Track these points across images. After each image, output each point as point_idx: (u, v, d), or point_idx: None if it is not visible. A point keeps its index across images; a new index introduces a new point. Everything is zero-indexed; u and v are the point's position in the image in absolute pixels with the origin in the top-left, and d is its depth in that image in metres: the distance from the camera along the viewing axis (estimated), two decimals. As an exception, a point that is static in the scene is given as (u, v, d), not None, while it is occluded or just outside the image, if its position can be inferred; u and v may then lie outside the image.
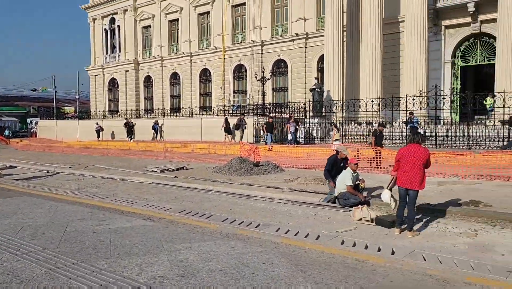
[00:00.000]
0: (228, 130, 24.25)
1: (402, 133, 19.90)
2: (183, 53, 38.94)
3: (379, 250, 5.70)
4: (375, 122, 21.33)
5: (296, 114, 23.31)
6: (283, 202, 9.53)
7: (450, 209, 7.98)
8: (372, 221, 7.49)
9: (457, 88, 24.88)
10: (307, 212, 8.47)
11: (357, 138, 21.49)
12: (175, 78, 40.99)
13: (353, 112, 21.99)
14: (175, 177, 13.25)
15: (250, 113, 25.44)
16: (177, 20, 39.93)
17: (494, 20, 21.32)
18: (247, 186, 11.41)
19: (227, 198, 10.15)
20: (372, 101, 21.01)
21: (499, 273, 4.82)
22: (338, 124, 22.56)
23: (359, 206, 7.91)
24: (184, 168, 15.44)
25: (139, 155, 21.84)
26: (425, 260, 5.28)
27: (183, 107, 33.75)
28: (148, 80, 43.52)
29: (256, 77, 26.73)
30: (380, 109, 21.68)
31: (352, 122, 22.44)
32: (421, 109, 19.56)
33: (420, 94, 19.42)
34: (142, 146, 26.14)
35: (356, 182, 8.83)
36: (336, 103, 23.06)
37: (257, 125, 23.79)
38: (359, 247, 5.82)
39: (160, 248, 5.81)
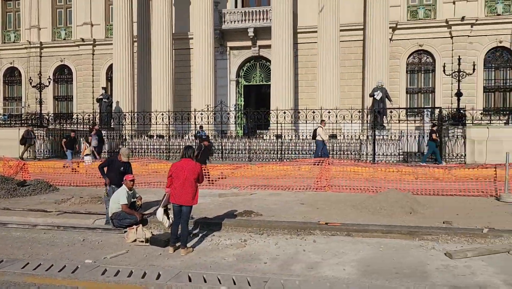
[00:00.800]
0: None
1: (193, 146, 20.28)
2: None
3: (144, 275, 5.18)
4: (166, 136, 21.20)
5: (88, 126, 21.13)
6: (47, 228, 8.13)
7: (226, 221, 8.13)
8: (146, 241, 6.98)
9: (241, 104, 27.05)
10: (75, 238, 7.38)
11: (147, 152, 20.91)
12: None
13: (143, 125, 21.36)
14: None
15: (23, 124, 21.97)
16: None
17: (269, 46, 23.97)
18: (3, 210, 9.43)
19: (-30, 229, 8.08)
20: (163, 114, 20.83)
21: (256, 285, 4.89)
22: (127, 137, 21.56)
23: (134, 226, 7.29)
24: None
25: None
26: (190, 280, 5.01)
27: None
28: None
29: (31, 83, 23.33)
30: (171, 123, 21.73)
31: (143, 136, 21.76)
32: (208, 124, 20.33)
33: (208, 109, 20.24)
34: None
35: (133, 200, 8.20)
36: (125, 115, 21.99)
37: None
38: (122, 276, 5.17)
39: None
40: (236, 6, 26.40)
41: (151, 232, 7.31)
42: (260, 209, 9.45)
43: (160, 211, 6.91)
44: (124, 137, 21.64)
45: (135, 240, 7.04)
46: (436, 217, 8.46)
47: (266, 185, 12.85)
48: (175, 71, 27.04)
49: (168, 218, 6.95)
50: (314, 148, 18.11)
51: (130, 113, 22.04)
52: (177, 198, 6.52)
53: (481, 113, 21.03)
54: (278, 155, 19.45)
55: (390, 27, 23.36)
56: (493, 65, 23.79)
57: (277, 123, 19.37)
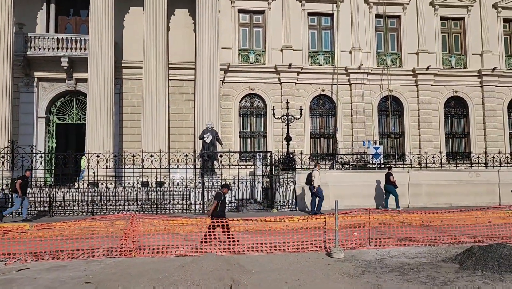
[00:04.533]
0: None
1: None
2: None
3: None
4: None
5: None
6: None
7: None
8: None
9: (52, 146, 22.50)
10: None
11: None
12: None
13: None
14: None
15: None
16: None
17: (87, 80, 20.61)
18: None
19: None
20: None
21: None
22: None
23: None
24: None
25: None
26: None
27: None
28: None
29: None
30: None
31: None
32: (-4, 170, 15.58)
33: (-6, 151, 15.59)
34: None
35: None
36: None
37: None
38: None
39: None
40: (48, 31, 22.42)
41: None
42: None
43: None
44: None
45: None
46: (261, 290, 6.52)
47: (52, 251, 9.42)
48: (-40, 104, 21.30)
49: None
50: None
51: None
52: None
53: (309, 158, 21.19)
54: (90, 208, 15.86)
55: (222, 69, 22.54)
56: (317, 112, 24.82)
57: (88, 168, 15.93)
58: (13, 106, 20.30)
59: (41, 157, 16.00)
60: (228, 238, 9.66)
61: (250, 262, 8.39)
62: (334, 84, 24.17)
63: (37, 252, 9.29)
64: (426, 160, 18.47)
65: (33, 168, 16.37)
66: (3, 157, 15.51)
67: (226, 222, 9.96)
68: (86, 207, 16.01)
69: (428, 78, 24.96)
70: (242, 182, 16.92)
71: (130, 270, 8.00)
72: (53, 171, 21.62)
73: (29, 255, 9.08)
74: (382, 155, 20.79)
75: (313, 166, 16.79)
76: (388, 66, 24.72)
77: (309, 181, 15.37)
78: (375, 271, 7.70)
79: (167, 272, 7.41)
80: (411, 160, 18.67)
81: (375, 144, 22.53)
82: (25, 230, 9.67)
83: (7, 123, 18.91)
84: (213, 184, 16.74)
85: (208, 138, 17.62)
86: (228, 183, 13.44)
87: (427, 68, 24.68)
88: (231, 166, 16.76)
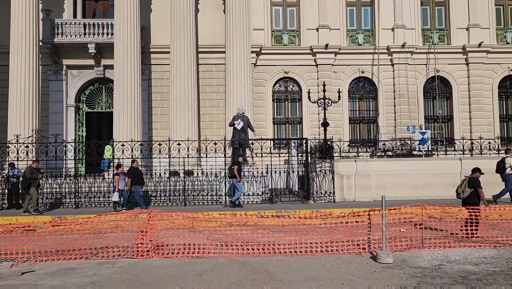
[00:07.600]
0: None
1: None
2: None
3: None
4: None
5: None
6: None
7: None
8: None
9: (82, 135, 22.07)
10: None
11: None
12: None
13: None
14: None
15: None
16: None
17: (116, 66, 19.87)
18: None
19: None
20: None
21: None
22: None
23: None
24: None
25: None
26: None
27: None
28: None
29: None
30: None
31: None
32: (18, 160, 15.03)
33: (17, 140, 15.04)
34: None
35: None
36: None
37: None
38: None
39: None
40: (75, 17, 21.83)
41: None
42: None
43: None
44: None
45: None
46: (293, 309, 5.28)
47: (64, 250, 8.58)
48: (-9, 94, 21.19)
49: None
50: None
51: None
52: None
53: (348, 145, 19.64)
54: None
55: (253, 52, 21.26)
56: (357, 95, 23.08)
57: (113, 158, 15.19)
58: (42, 95, 19.88)
59: (65, 146, 15.33)
60: (467, 230, 9.05)
61: (282, 267, 7.17)
62: (375, 65, 22.31)
63: (47, 251, 8.48)
64: (481, 146, 16.50)
65: (63, 158, 15.84)
66: (27, 146, 14.98)
67: (479, 211, 9.14)
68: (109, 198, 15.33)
69: (481, 56, 22.59)
70: (275, 171, 15.69)
71: (143, 275, 6.97)
72: (83, 160, 21.23)
73: (38, 255, 8.27)
74: (429, 141, 18.91)
75: (504, 153, 15.01)
76: (435, 44, 22.55)
77: (502, 169, 13.81)
78: (433, 282, 6.28)
79: (183, 280, 6.33)
80: (463, 146, 16.73)
81: (420, 129, 20.62)
82: (33, 226, 8.82)
83: (34, 112, 18.43)
84: (244, 173, 15.61)
85: (239, 124, 16.42)
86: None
87: (480, 45, 22.32)
88: (263, 154, 15.58)
